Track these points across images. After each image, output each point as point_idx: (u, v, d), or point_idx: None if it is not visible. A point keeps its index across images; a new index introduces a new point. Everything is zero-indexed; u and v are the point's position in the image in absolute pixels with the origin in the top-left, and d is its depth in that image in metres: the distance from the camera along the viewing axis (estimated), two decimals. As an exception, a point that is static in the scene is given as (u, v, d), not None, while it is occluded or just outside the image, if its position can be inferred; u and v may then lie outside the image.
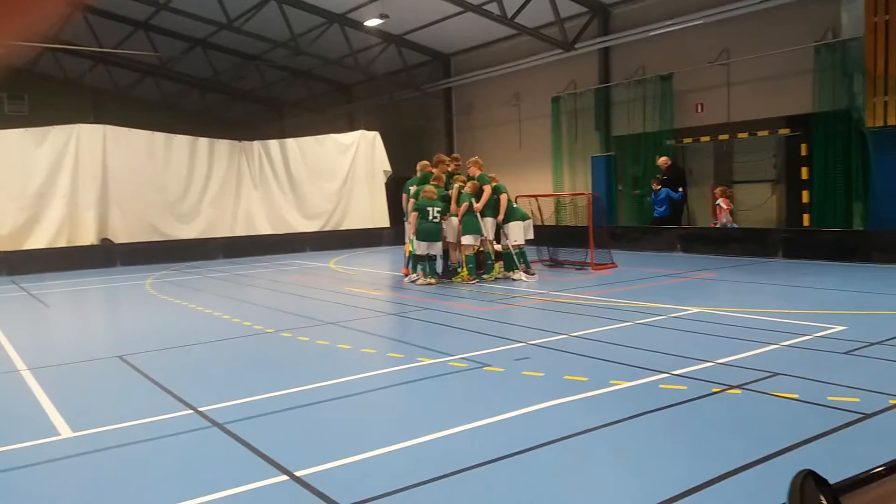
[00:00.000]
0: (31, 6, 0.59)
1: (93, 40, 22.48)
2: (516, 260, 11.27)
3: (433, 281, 11.11)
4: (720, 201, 14.77)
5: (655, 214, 15.84)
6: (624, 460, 3.69)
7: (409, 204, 11.60)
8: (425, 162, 12.18)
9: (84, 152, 16.95)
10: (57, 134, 16.85)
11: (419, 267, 11.32)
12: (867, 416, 4.11)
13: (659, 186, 15.70)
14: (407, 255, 11.92)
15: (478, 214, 11.01)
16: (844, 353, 5.72)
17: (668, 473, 3.47)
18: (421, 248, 11.06)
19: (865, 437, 3.85)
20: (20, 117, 25.44)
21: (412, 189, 11.66)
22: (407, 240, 11.84)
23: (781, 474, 3.34)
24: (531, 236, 11.80)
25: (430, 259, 11.18)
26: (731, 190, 15.36)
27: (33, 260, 15.25)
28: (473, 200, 11.05)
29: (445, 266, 11.68)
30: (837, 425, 3.98)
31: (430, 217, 10.97)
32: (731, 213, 14.85)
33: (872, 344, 5.94)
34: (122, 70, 27.85)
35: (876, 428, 3.97)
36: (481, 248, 11.35)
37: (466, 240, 10.97)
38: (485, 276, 11.29)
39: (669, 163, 15.71)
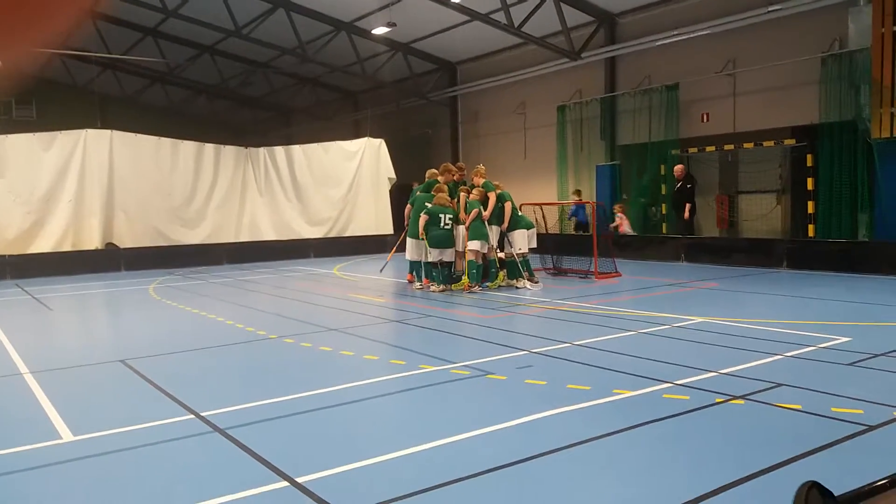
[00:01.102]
0: (47, 15, 0.59)
1: (102, 46, 22.62)
2: (520, 268, 11.26)
3: (444, 288, 11.11)
4: (619, 215, 16.31)
5: (580, 220, 17.45)
6: (626, 470, 3.67)
7: (406, 209, 11.84)
8: (434, 171, 12.25)
9: (91, 157, 17.01)
10: (64, 139, 16.93)
11: (425, 273, 11.36)
12: (871, 428, 4.08)
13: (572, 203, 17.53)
14: (388, 259, 12.04)
15: (485, 222, 11.02)
16: (849, 364, 5.68)
17: (670, 484, 3.45)
18: (433, 254, 11.07)
19: (869, 449, 3.82)
20: (28, 122, 25.61)
21: (417, 194, 11.86)
22: (395, 246, 12.17)
23: (785, 486, 3.32)
24: (534, 244, 11.79)
25: (443, 266, 11.18)
26: (625, 205, 17.05)
27: (38, 264, 15.29)
28: (482, 208, 11.05)
29: (450, 274, 11.68)
30: (841, 437, 3.95)
31: (442, 224, 10.99)
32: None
33: (877, 355, 5.91)
34: (130, 76, 28.03)
35: (880, 440, 3.95)
36: (487, 256, 11.33)
37: (473, 245, 10.93)
38: (488, 284, 11.28)
39: (685, 172, 15.53)
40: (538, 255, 13.01)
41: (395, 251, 12.05)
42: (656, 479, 3.52)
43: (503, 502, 3.29)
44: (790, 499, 0.85)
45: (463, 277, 11.15)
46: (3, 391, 5.71)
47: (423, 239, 11.13)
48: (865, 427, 4.10)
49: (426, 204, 11.32)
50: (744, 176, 15.89)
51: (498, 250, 11.52)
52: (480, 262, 11.14)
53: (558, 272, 13.06)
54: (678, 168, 15.56)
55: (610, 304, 9.35)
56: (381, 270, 13.38)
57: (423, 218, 11.07)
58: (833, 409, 4.45)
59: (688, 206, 15.26)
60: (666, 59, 16.67)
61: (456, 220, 11.22)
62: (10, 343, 7.61)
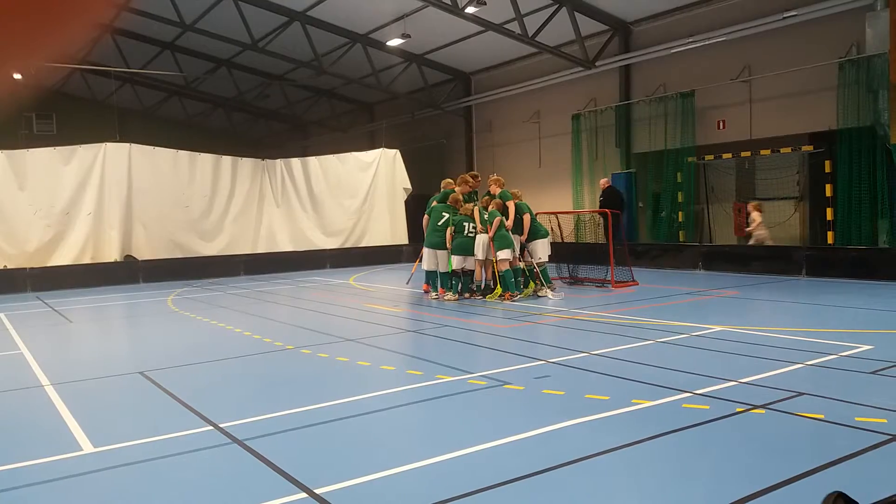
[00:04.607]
0: (60, 25, 0.60)
1: (120, 61, 22.94)
2: (542, 277, 11.26)
3: (455, 298, 11.13)
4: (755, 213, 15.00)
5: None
6: (645, 481, 3.64)
7: (423, 220, 11.84)
8: (449, 180, 12.34)
9: (110, 170, 17.23)
10: (84, 152, 17.15)
11: (441, 283, 11.40)
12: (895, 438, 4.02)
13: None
14: (413, 271, 11.99)
15: (508, 231, 11.05)
16: (871, 372, 5.61)
17: (690, 495, 3.41)
18: (455, 261, 11.14)
19: (894, 458, 3.76)
20: (48, 136, 25.94)
21: (433, 204, 11.89)
22: (418, 258, 12.07)
23: (809, 497, 3.27)
24: (549, 252, 11.80)
25: (465, 274, 11.24)
26: None
27: (58, 276, 15.45)
28: (504, 218, 11.07)
29: (466, 284, 11.67)
30: (865, 446, 3.89)
31: (466, 232, 11.10)
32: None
33: (901, 364, 5.82)
34: (148, 90, 28.37)
35: (905, 450, 3.88)
36: (513, 265, 11.32)
37: (503, 255, 10.92)
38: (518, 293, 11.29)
39: (608, 185, 16.66)
40: (554, 265, 12.98)
41: (419, 261, 12.11)
42: (676, 490, 3.48)
43: (522, 514, 3.27)
44: (815, 510, 0.84)
45: (496, 288, 11.14)
46: (25, 403, 5.77)
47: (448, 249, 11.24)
48: (890, 436, 4.04)
49: (443, 213, 11.41)
50: (761, 183, 15.76)
51: (520, 258, 11.52)
52: (518, 266, 11.19)
53: (574, 281, 13.01)
54: (602, 181, 16.98)
55: (627, 312, 9.29)
56: (407, 282, 13.42)
57: (449, 230, 11.19)
58: (857, 419, 4.39)
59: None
60: (681, 67, 16.62)
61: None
62: (32, 355, 7.69)
